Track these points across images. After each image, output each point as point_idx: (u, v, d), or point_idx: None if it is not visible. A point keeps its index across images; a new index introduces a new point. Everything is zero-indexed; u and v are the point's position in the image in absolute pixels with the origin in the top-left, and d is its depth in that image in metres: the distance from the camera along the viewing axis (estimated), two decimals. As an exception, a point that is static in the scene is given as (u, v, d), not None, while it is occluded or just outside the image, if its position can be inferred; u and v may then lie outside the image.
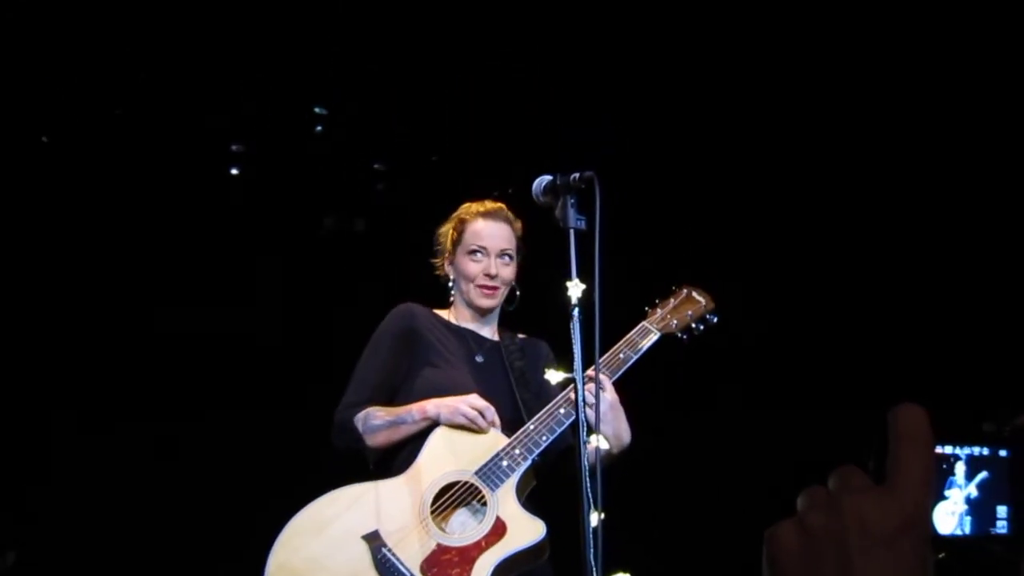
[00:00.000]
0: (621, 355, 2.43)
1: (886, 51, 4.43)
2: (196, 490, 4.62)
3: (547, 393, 2.51)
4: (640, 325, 2.52)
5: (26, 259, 4.74)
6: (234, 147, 5.03)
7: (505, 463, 2.28)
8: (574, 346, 2.11)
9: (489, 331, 2.64)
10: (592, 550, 1.92)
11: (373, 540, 2.21)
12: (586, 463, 1.97)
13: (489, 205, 2.64)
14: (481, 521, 2.24)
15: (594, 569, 1.92)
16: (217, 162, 5.03)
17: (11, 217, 4.69)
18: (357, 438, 2.39)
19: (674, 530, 4.83)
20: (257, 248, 5.01)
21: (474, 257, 2.55)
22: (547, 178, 2.27)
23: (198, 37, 4.41)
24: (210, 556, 4.41)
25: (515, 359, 2.57)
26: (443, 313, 2.65)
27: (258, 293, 4.99)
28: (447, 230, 2.65)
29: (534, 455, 2.30)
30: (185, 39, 4.41)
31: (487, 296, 2.56)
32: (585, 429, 2.01)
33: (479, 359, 2.55)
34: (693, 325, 2.55)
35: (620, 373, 2.42)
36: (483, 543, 2.21)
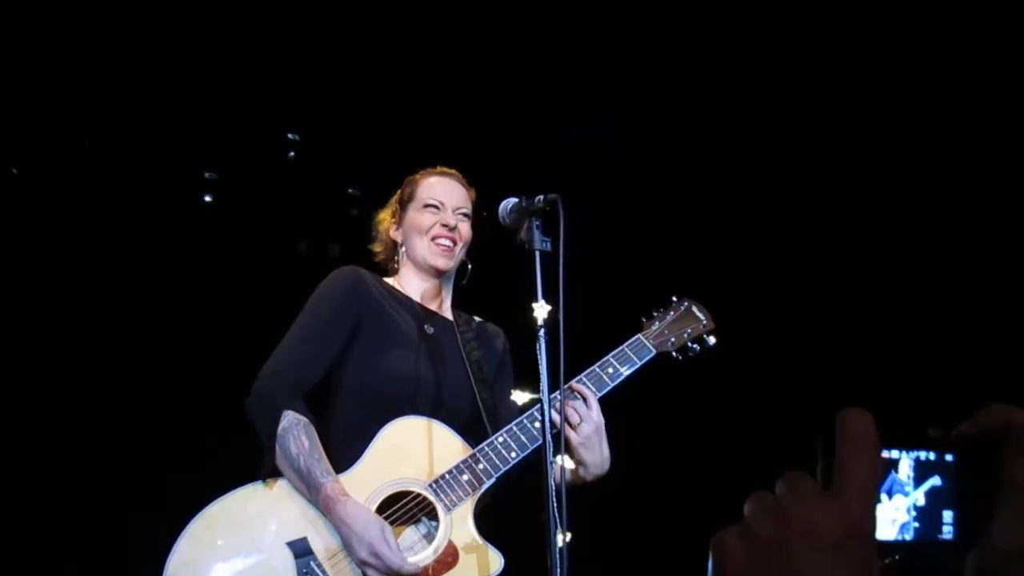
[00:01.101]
0: (610, 369, 2.22)
1: (871, 76, 4.49)
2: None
3: (499, 383, 2.36)
4: (635, 337, 2.32)
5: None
6: (207, 174, 5.03)
7: (466, 477, 1.98)
8: (540, 366, 2.12)
9: (438, 304, 2.41)
10: (559, 570, 1.91)
11: (301, 551, 1.87)
12: (552, 484, 1.96)
13: (442, 168, 2.57)
14: (430, 544, 1.93)
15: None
16: (190, 189, 5.03)
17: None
18: (270, 435, 2.02)
19: (639, 551, 4.83)
20: (232, 274, 5.00)
21: (430, 210, 2.40)
22: (512, 200, 2.30)
23: (168, 66, 4.42)
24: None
25: (471, 346, 2.32)
26: (390, 280, 2.43)
27: (233, 319, 4.97)
28: (392, 201, 2.54)
29: (500, 472, 2.06)
30: (155, 68, 4.42)
31: (444, 252, 2.37)
32: (551, 450, 2.00)
33: (430, 330, 2.30)
34: (690, 345, 2.34)
35: (609, 389, 2.22)
36: (430, 571, 1.90)
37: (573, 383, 2.13)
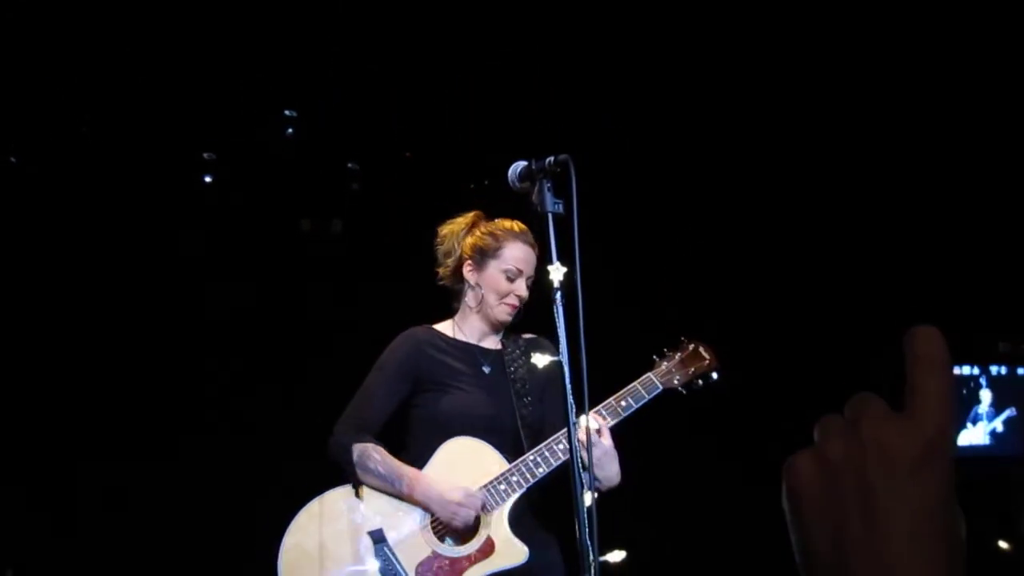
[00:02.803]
0: (624, 403, 2.56)
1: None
2: (197, 494, 4.60)
3: (548, 395, 2.63)
4: (645, 376, 2.64)
5: None
6: (205, 155, 5.00)
7: (503, 487, 2.46)
8: (558, 329, 2.13)
9: (493, 340, 2.74)
10: (587, 530, 1.93)
11: (378, 537, 2.43)
12: (576, 444, 1.99)
13: (521, 226, 2.72)
14: (474, 537, 2.45)
15: (590, 549, 1.94)
16: (189, 171, 5.00)
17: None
18: (348, 464, 2.53)
19: (671, 508, 4.86)
20: (235, 254, 4.98)
21: (509, 276, 2.64)
22: (522, 163, 2.29)
23: (164, 47, 4.37)
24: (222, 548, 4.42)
25: (517, 365, 2.68)
26: (445, 328, 2.73)
27: (239, 298, 4.97)
28: (468, 237, 2.68)
29: (530, 484, 2.48)
30: (152, 50, 4.37)
31: (511, 312, 2.68)
32: (574, 411, 2.03)
33: (486, 369, 2.67)
34: (695, 382, 2.67)
35: (619, 420, 2.56)
36: (472, 558, 2.43)
37: (592, 412, 2.47)
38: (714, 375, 2.69)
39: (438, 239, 2.75)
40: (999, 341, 4.48)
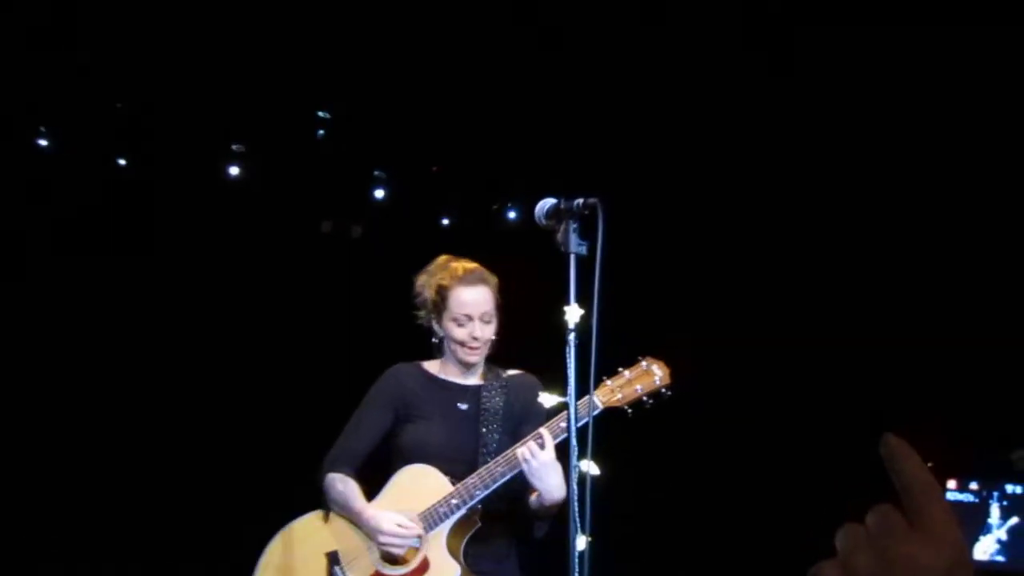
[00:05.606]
0: (563, 423, 2.52)
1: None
2: (190, 493, 4.62)
3: (526, 429, 2.64)
4: (586, 397, 2.52)
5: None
6: (234, 146, 5.04)
7: (443, 510, 2.59)
8: (568, 370, 2.14)
9: (475, 377, 2.82)
10: (577, 573, 1.94)
11: (333, 559, 2.68)
12: (575, 488, 1.99)
13: (466, 268, 2.76)
14: (414, 558, 2.61)
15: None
16: (216, 160, 5.04)
17: None
18: (321, 492, 2.75)
19: (659, 554, 4.86)
20: (252, 249, 5.01)
21: (459, 323, 2.71)
22: (551, 201, 2.30)
23: (205, 33, 4.41)
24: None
25: (492, 397, 2.77)
26: (432, 366, 2.85)
27: (251, 295, 4.99)
28: (429, 293, 2.76)
29: (468, 506, 2.58)
30: (191, 35, 4.42)
31: (472, 354, 2.74)
32: (576, 454, 2.04)
33: (462, 407, 2.78)
34: (644, 399, 2.62)
35: (563, 437, 2.50)
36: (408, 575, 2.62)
37: (541, 429, 2.53)
38: (666, 392, 2.62)
39: (415, 289, 2.82)
40: (1011, 454, 4.49)
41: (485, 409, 2.72)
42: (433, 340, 2.81)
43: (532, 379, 2.81)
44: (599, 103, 4.54)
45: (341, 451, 2.76)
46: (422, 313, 2.79)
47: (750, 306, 5.03)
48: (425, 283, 2.77)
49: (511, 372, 2.82)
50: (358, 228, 5.11)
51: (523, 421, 2.70)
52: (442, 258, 2.80)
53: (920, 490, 0.60)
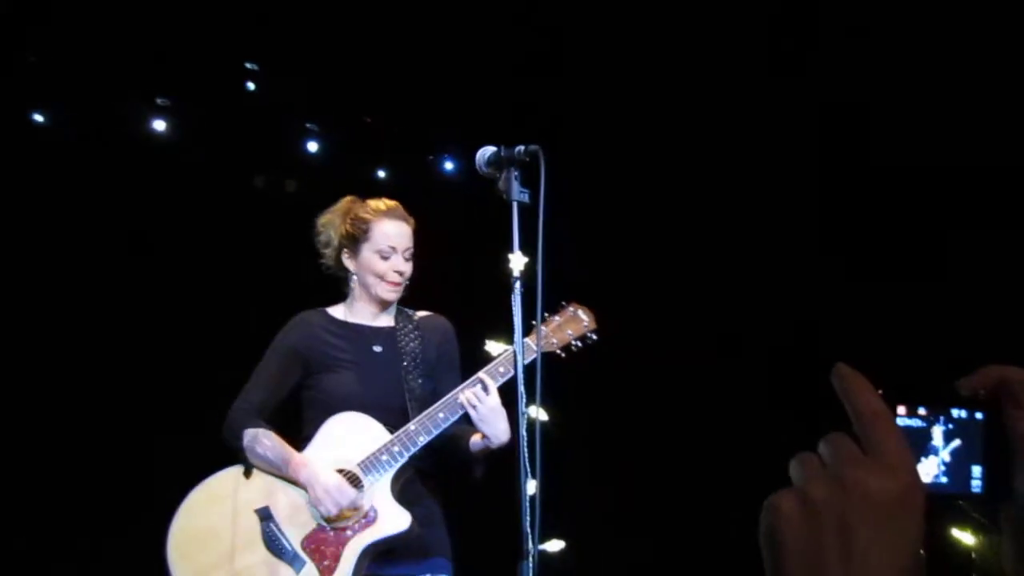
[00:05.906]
0: (502, 368, 2.58)
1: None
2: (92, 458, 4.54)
3: (440, 370, 2.69)
4: (521, 341, 2.52)
5: None
6: (159, 100, 4.87)
7: (384, 458, 2.53)
8: (515, 317, 2.15)
9: (386, 319, 2.78)
10: (528, 518, 1.97)
11: (264, 515, 2.52)
12: (524, 433, 2.02)
13: (389, 203, 2.75)
14: (358, 508, 2.51)
15: (530, 537, 1.98)
16: (141, 115, 4.87)
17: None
18: (240, 448, 2.60)
19: (610, 498, 4.94)
20: (183, 206, 4.87)
21: (383, 255, 2.68)
22: (491, 149, 2.29)
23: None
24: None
25: (408, 341, 2.72)
26: (337, 311, 2.78)
27: (184, 254, 4.87)
28: (342, 226, 2.72)
29: (411, 452, 2.54)
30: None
31: (394, 289, 2.72)
32: (524, 401, 2.06)
33: (377, 349, 2.71)
34: (572, 343, 2.72)
35: (501, 382, 2.58)
36: (355, 527, 2.51)
37: (481, 373, 2.55)
38: (592, 336, 2.73)
39: (316, 229, 2.78)
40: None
41: (404, 352, 2.69)
42: (349, 279, 2.73)
43: (443, 320, 2.83)
44: (532, 50, 4.50)
45: (249, 404, 2.65)
46: (327, 252, 2.75)
47: (689, 250, 5.08)
48: (333, 220, 2.73)
49: (422, 313, 2.83)
50: (292, 182, 5.01)
51: (438, 363, 2.72)
52: (348, 198, 2.79)
53: (872, 418, 0.61)
